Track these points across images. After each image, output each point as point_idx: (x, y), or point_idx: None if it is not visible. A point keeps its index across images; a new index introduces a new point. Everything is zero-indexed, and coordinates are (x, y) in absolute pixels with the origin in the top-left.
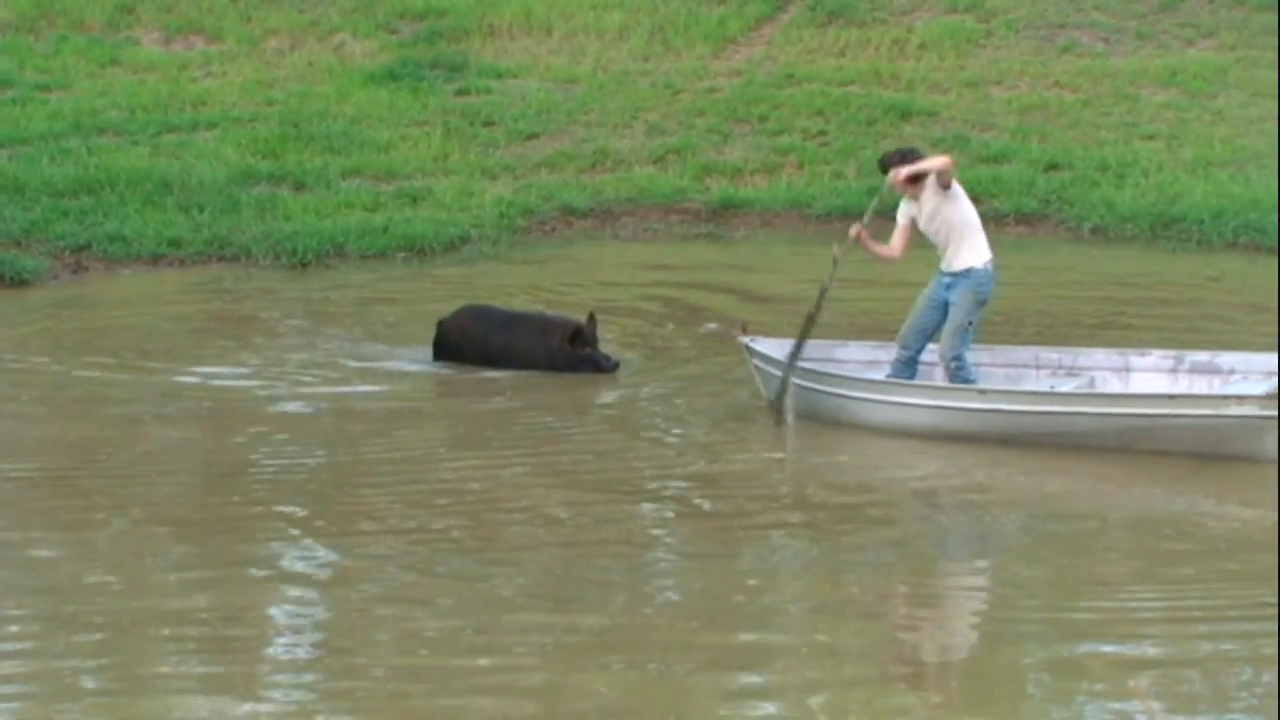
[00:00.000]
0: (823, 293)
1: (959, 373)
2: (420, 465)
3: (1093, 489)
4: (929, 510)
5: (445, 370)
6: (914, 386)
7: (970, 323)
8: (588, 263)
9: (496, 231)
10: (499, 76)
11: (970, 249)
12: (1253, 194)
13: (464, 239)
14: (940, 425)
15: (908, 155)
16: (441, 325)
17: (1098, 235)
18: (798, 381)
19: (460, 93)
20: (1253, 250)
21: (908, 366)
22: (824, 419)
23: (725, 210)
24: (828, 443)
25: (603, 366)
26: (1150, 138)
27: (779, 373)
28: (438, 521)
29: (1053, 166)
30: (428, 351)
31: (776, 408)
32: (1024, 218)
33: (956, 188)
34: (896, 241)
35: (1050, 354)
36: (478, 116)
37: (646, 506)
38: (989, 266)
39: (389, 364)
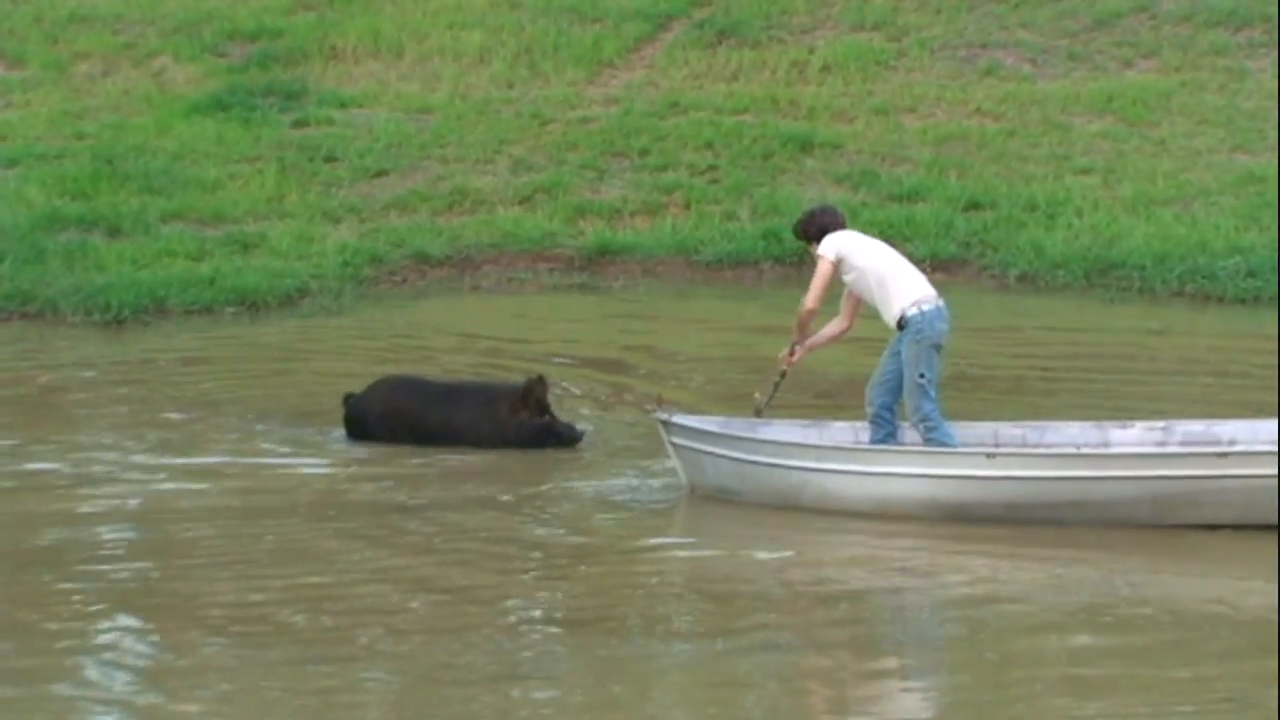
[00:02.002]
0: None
1: (932, 434)
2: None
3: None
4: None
5: (328, 454)
6: (902, 452)
7: (924, 375)
8: (444, 319)
9: (339, 283)
10: (342, 106)
11: (896, 296)
12: (1200, 235)
13: (302, 291)
14: (937, 498)
15: (822, 221)
16: (358, 401)
17: (1025, 283)
18: (735, 455)
19: (298, 124)
20: (1200, 300)
21: (878, 427)
22: (776, 500)
23: (601, 257)
24: (770, 532)
25: (565, 436)
26: (1084, 172)
27: (709, 448)
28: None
29: (974, 205)
30: (255, 424)
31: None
32: (941, 263)
33: (844, 252)
34: (840, 317)
35: (1013, 429)
36: (318, 151)
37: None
38: (924, 307)
39: (216, 443)
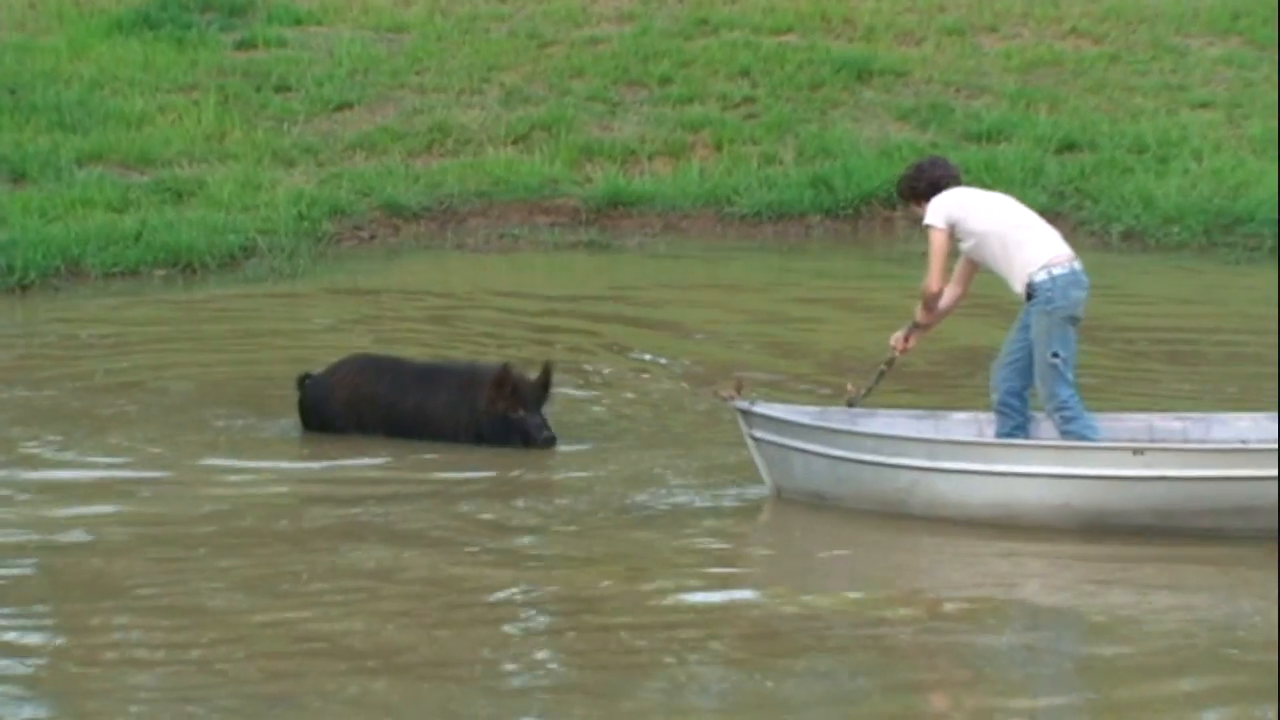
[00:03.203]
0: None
1: (1070, 426)
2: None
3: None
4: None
5: (279, 454)
6: (1030, 447)
7: (1057, 354)
8: (422, 284)
9: (293, 240)
10: (297, 23)
11: (1021, 260)
12: None
13: (248, 250)
14: (1073, 503)
15: (932, 175)
16: (318, 385)
17: (1132, 241)
18: (831, 452)
19: (242, 46)
20: None
21: (1006, 418)
22: (880, 505)
23: (613, 209)
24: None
25: (533, 438)
26: (1203, 106)
27: (799, 443)
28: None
29: (1068, 146)
30: (184, 416)
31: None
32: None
33: (957, 215)
34: (953, 282)
35: (1171, 421)
36: (267, 79)
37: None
38: (1055, 271)
39: (132, 442)
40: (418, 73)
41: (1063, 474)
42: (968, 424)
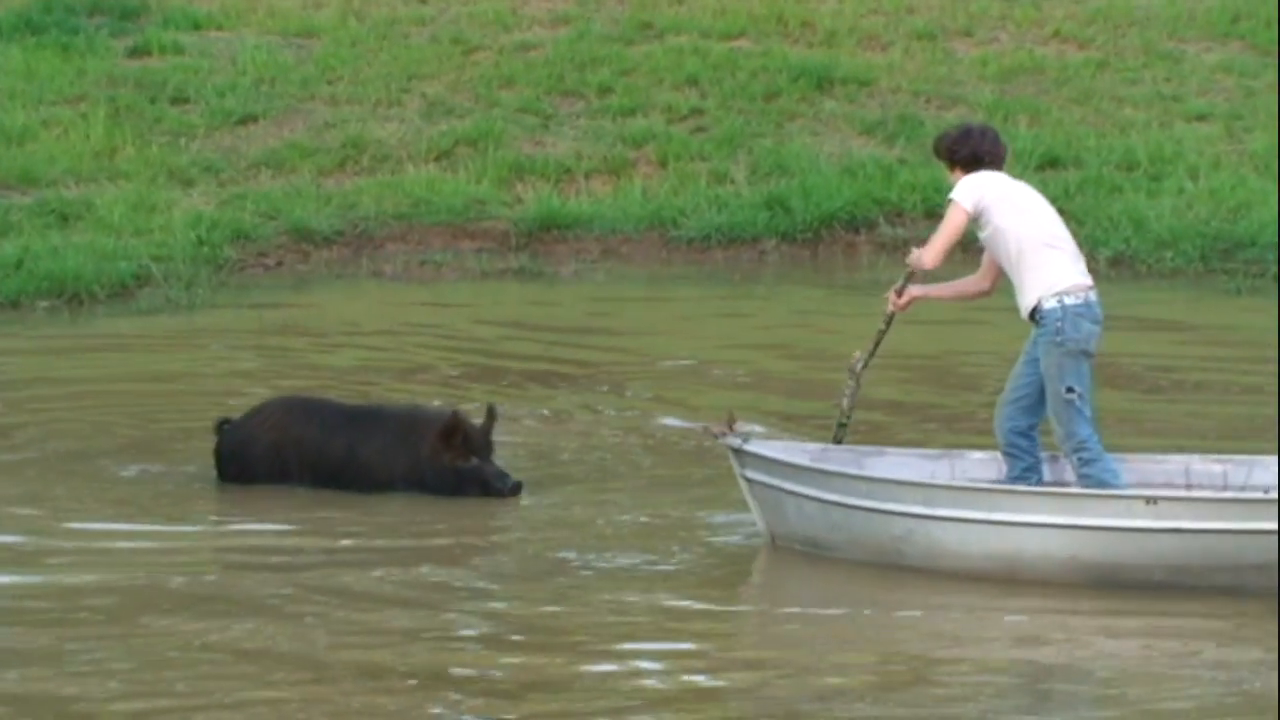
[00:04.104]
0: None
1: (1088, 469)
2: None
3: None
4: None
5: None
6: (1033, 494)
7: (1073, 389)
8: (334, 316)
9: (191, 267)
10: (195, 28)
11: (1035, 278)
12: None
13: (141, 279)
14: (1080, 556)
15: (977, 146)
16: (238, 429)
17: (1120, 268)
18: (822, 495)
19: (135, 53)
20: None
21: (1015, 460)
22: (874, 555)
23: (546, 233)
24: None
25: (494, 487)
26: (1200, 118)
27: (792, 485)
28: None
29: (1051, 162)
30: (66, 470)
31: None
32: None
33: (987, 201)
34: (980, 274)
35: (1211, 465)
36: (162, 90)
37: None
38: (1068, 300)
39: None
40: (329, 82)
41: (1070, 524)
42: (987, 464)
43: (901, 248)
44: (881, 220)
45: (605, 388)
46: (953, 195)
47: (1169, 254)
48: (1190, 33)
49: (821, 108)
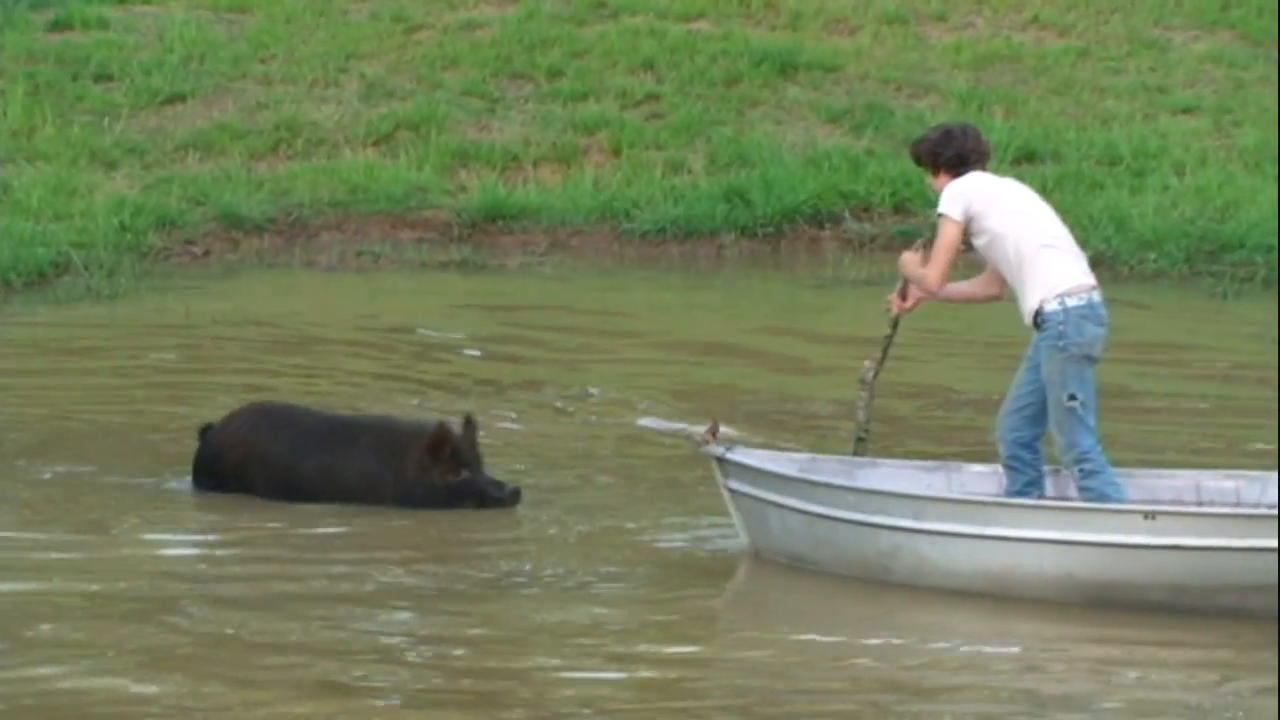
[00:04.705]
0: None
1: (1090, 481)
2: None
3: None
4: None
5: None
6: (1027, 508)
7: (1075, 397)
8: (265, 309)
9: (114, 255)
10: (121, 2)
11: (1036, 281)
12: None
13: (60, 267)
14: (1076, 574)
15: (961, 146)
16: (212, 438)
17: (1101, 268)
18: (807, 508)
19: (56, 27)
20: None
21: (1016, 473)
22: (861, 570)
23: (491, 224)
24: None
25: (491, 496)
26: (1187, 111)
27: (776, 497)
28: None
29: (1028, 156)
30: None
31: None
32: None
33: (977, 208)
34: (985, 277)
35: (1222, 481)
36: (85, 66)
37: None
38: (1070, 302)
39: None
40: (262, 61)
41: (1064, 539)
42: (986, 478)
43: (868, 244)
44: (847, 215)
45: (558, 389)
46: (941, 209)
47: (1152, 255)
48: (1177, 20)
49: (785, 95)
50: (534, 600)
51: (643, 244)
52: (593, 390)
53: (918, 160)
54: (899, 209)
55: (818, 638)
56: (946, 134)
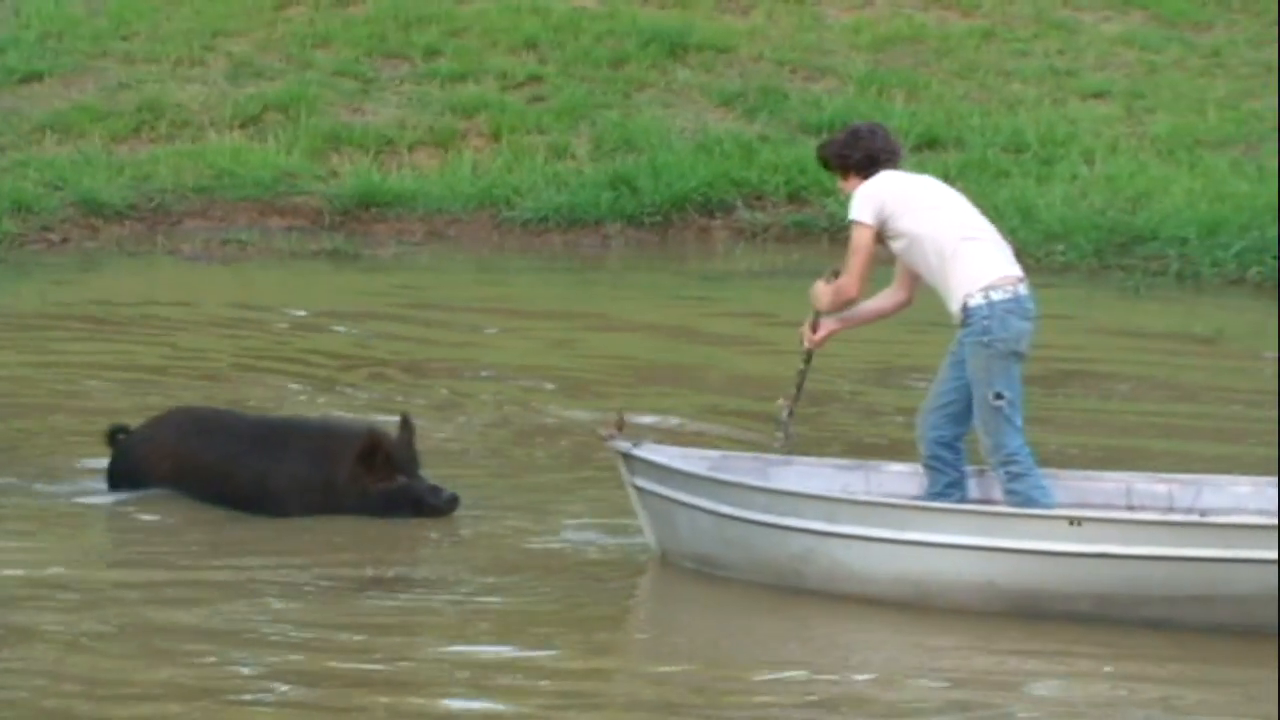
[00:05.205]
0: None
1: (1015, 485)
2: None
3: None
4: None
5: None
6: (946, 512)
7: (1001, 395)
8: (125, 299)
9: None
10: None
11: (959, 278)
12: (1269, 194)
13: None
14: (997, 582)
15: (869, 146)
16: (133, 446)
17: None
18: (717, 508)
19: None
20: (1270, 291)
21: (937, 474)
22: (772, 576)
23: (364, 211)
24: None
25: (428, 504)
26: (1098, 95)
27: (684, 496)
28: None
29: (929, 143)
30: None
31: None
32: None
33: (889, 210)
34: (895, 285)
35: (1154, 485)
36: None
37: None
38: (994, 295)
39: None
40: (124, 38)
41: (986, 545)
42: (906, 478)
43: (761, 234)
44: (739, 203)
45: (438, 385)
46: (852, 215)
47: (1060, 247)
48: (1087, 0)
49: (674, 76)
50: (425, 613)
51: (524, 233)
52: (484, 374)
53: (825, 164)
54: (793, 198)
55: (727, 647)
56: (854, 134)
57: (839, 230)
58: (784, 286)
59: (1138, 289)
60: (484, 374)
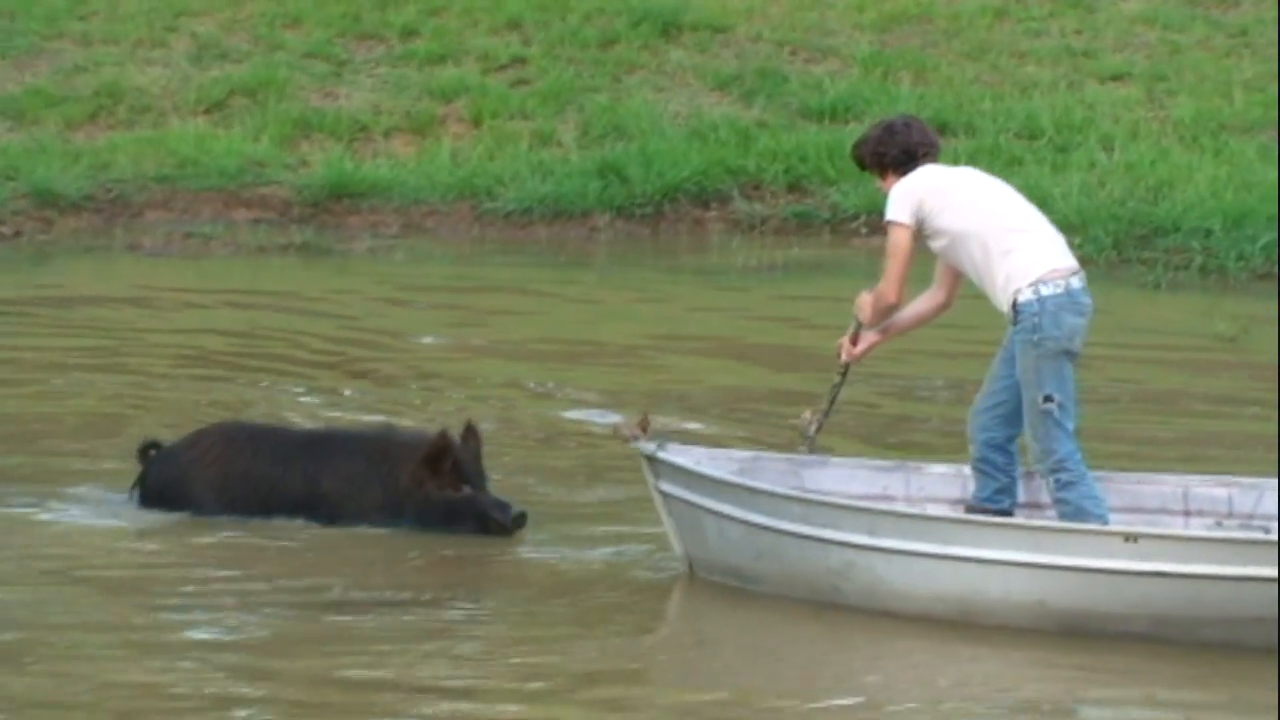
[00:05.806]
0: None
1: (1066, 492)
2: None
3: None
4: None
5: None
6: (997, 526)
7: (1051, 398)
8: (82, 295)
9: None
10: None
11: (1006, 273)
12: None
13: None
14: (1048, 601)
15: (905, 141)
16: (171, 460)
17: None
18: (749, 517)
19: None
20: None
21: (987, 478)
22: (807, 591)
23: (337, 202)
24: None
25: (494, 520)
26: (1117, 78)
27: (713, 503)
28: None
29: (939, 128)
30: None
31: None
32: (884, 224)
33: (928, 208)
34: (935, 286)
35: (1213, 489)
36: None
37: None
38: (1044, 290)
39: None
40: (81, 18)
41: (1036, 562)
42: (949, 480)
43: (759, 226)
44: (736, 193)
45: (416, 386)
46: (889, 215)
47: (1077, 239)
48: None
49: (667, 58)
50: (427, 633)
51: (506, 225)
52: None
53: (860, 164)
54: (793, 187)
55: (763, 677)
56: (888, 129)
57: (841, 222)
58: (782, 282)
59: (1159, 284)
60: (467, 376)
